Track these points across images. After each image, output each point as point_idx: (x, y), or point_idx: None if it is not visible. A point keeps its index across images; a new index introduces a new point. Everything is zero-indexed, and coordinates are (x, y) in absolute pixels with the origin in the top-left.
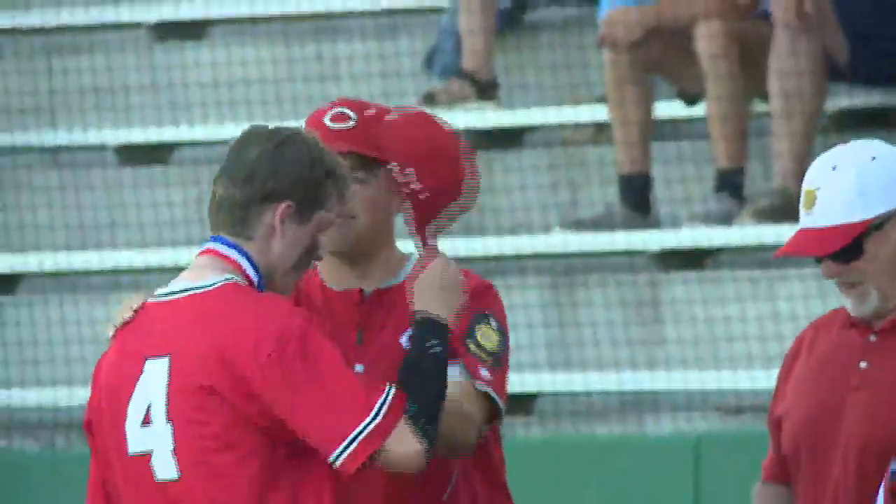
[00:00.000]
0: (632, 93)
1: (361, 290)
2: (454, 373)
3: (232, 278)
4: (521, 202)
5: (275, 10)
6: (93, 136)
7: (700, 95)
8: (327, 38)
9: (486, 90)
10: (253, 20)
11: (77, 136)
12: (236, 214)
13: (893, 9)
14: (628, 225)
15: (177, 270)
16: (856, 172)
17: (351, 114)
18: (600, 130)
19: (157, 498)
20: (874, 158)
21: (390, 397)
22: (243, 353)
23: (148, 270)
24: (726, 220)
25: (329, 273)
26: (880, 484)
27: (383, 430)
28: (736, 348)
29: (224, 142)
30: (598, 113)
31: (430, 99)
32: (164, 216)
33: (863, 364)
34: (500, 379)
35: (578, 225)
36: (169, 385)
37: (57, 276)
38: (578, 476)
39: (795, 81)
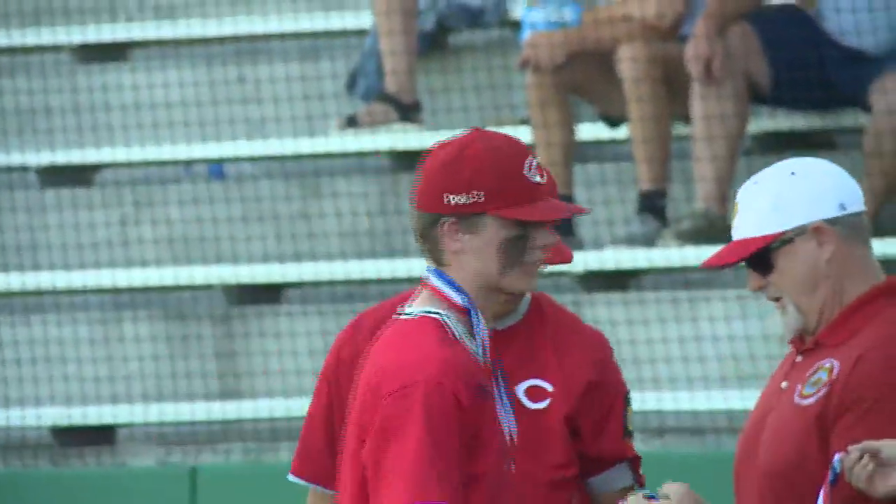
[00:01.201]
0: (554, 115)
1: (494, 330)
2: (624, 477)
3: (429, 312)
4: None
5: (196, 32)
6: (15, 158)
7: (623, 118)
8: (249, 61)
9: (409, 112)
10: (175, 43)
11: None
12: (420, 241)
13: (814, 35)
14: None
15: (99, 292)
16: (772, 187)
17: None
18: None
19: None
20: (793, 174)
21: None
22: (371, 388)
23: (70, 292)
24: (649, 241)
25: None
26: (821, 486)
27: None
28: (659, 369)
29: (146, 163)
30: (521, 134)
31: (352, 121)
32: (86, 238)
33: (784, 384)
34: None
35: None
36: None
37: None
38: None
39: (717, 104)
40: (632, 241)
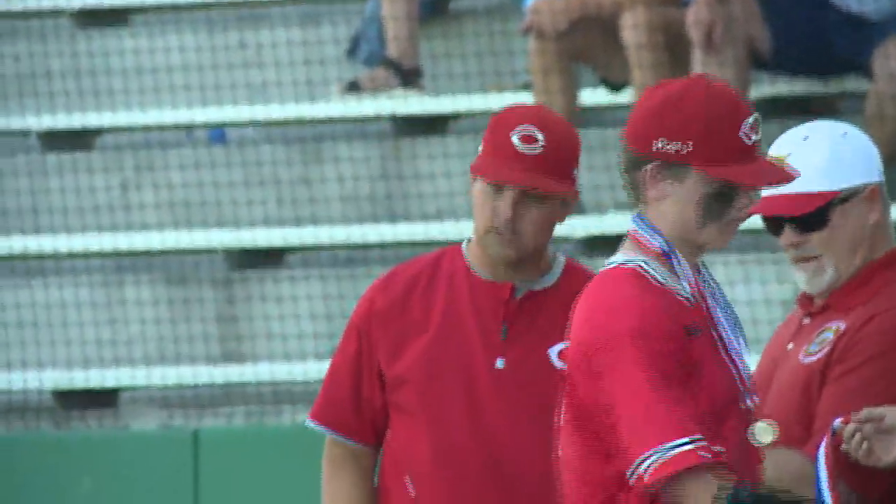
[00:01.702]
0: (557, 81)
1: (514, 288)
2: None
3: (628, 262)
4: (446, 188)
5: None
6: (16, 122)
7: (624, 83)
8: (250, 26)
9: (410, 77)
10: (175, 7)
11: (0, 122)
12: (624, 176)
13: (815, 0)
14: None
15: (100, 256)
16: (828, 145)
17: (539, 136)
18: None
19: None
20: (845, 135)
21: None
22: (578, 343)
23: (72, 256)
24: None
25: (484, 264)
26: (819, 445)
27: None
28: None
29: (147, 128)
30: (522, 100)
31: (354, 86)
32: (87, 202)
33: (790, 346)
34: None
35: None
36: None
37: None
38: None
39: (718, 70)
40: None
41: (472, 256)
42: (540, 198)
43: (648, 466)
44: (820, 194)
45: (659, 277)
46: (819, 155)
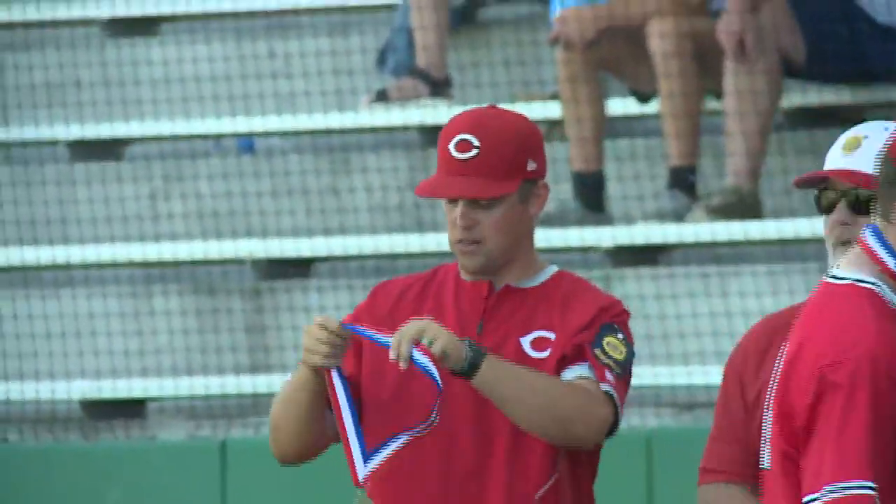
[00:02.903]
0: (584, 91)
1: (491, 284)
2: (582, 371)
3: (860, 281)
4: None
5: (227, 6)
6: (45, 132)
7: (653, 93)
8: (279, 35)
9: (439, 87)
10: (205, 17)
11: (29, 132)
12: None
13: (847, 10)
14: (582, 221)
15: (129, 266)
16: None
17: (474, 141)
18: (553, 127)
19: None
20: None
21: None
22: (800, 361)
23: (100, 266)
24: (679, 216)
25: (466, 274)
26: None
27: None
28: (689, 344)
29: (176, 138)
30: (550, 110)
31: (382, 96)
32: (116, 212)
33: None
34: (622, 390)
35: None
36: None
37: (8, 272)
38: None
39: (749, 79)
40: (662, 216)
41: (461, 264)
42: (489, 204)
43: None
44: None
45: (893, 302)
46: None
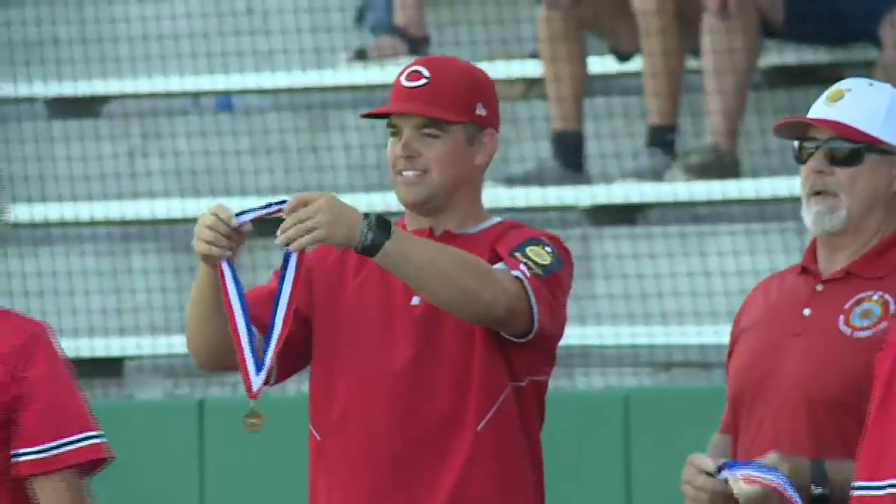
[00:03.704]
0: (564, 50)
1: (431, 229)
2: (496, 266)
3: None
4: None
5: None
6: (23, 89)
7: (632, 52)
8: None
9: (417, 45)
10: None
11: (7, 89)
12: None
13: None
14: (560, 181)
15: (106, 224)
16: (889, 98)
17: (425, 72)
18: (532, 86)
19: None
20: None
21: None
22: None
23: (78, 224)
24: (658, 175)
25: (409, 218)
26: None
27: None
28: (666, 304)
29: (154, 95)
30: (529, 68)
31: (361, 55)
32: (94, 170)
33: (806, 311)
34: (542, 288)
35: (510, 180)
36: None
37: None
38: None
39: (727, 38)
40: (640, 175)
41: (406, 216)
42: (436, 133)
43: None
44: (864, 133)
45: None
46: (877, 101)
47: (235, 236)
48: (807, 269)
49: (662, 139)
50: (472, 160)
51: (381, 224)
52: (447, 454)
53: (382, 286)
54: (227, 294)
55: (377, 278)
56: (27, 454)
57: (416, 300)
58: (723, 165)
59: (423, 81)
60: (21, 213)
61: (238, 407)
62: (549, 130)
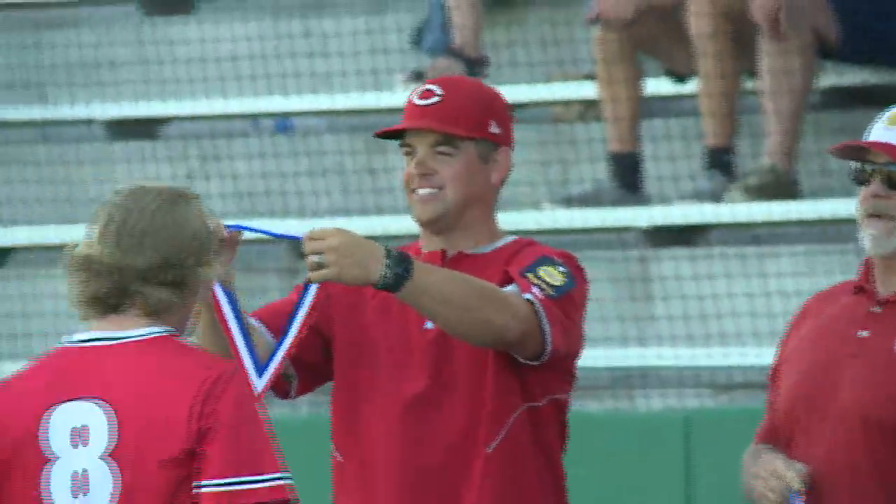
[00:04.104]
0: (621, 71)
1: (444, 251)
2: (508, 289)
3: None
4: (511, 179)
5: None
6: (81, 111)
7: (689, 73)
8: (315, 14)
9: (474, 67)
10: None
11: (66, 111)
12: None
13: None
14: (618, 202)
15: None
16: None
17: (437, 90)
18: (589, 107)
19: None
20: None
21: None
22: None
23: None
24: (716, 197)
25: (425, 238)
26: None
27: None
28: (725, 325)
29: (212, 117)
30: (586, 90)
31: (418, 76)
32: None
33: (862, 333)
34: (554, 310)
35: (568, 201)
36: None
37: (46, 251)
38: (570, 452)
39: (783, 59)
40: (698, 196)
41: (422, 237)
42: (450, 151)
43: None
44: None
45: None
46: None
47: (227, 248)
48: (863, 289)
49: (720, 160)
50: (486, 178)
51: (401, 259)
52: (460, 478)
53: (399, 309)
54: (218, 309)
55: (394, 301)
56: (209, 486)
57: (429, 324)
58: (781, 186)
59: (435, 99)
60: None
61: None
62: (606, 152)
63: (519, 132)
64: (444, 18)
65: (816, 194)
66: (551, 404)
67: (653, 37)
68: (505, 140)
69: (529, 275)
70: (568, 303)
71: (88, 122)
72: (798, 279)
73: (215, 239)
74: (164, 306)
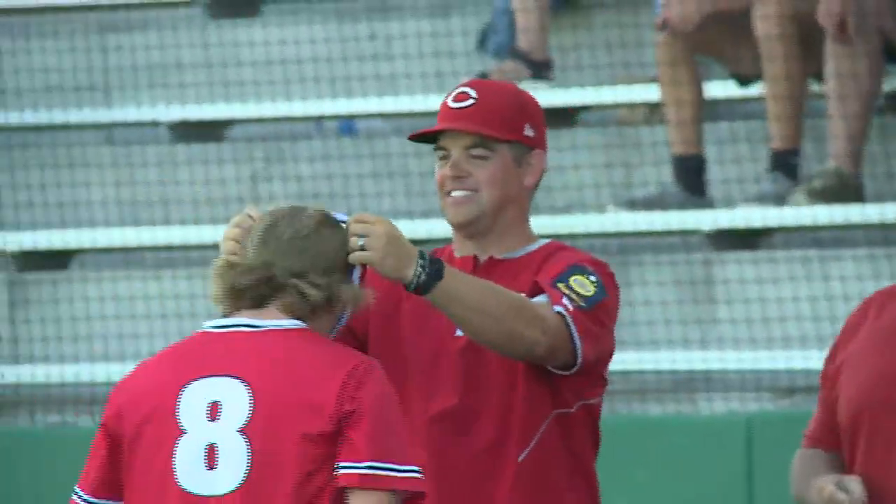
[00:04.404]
0: (684, 73)
1: (476, 257)
2: (538, 300)
3: None
4: (575, 181)
5: None
6: (146, 113)
7: (754, 76)
8: (380, 17)
9: (540, 69)
10: None
11: (131, 113)
12: None
13: None
14: (682, 205)
15: None
16: None
17: (472, 93)
18: (654, 110)
19: None
20: None
21: None
22: None
23: (200, 247)
24: (780, 200)
25: (457, 243)
26: None
27: None
28: (789, 328)
29: (277, 119)
30: (651, 93)
31: (483, 78)
32: (216, 193)
33: None
34: (586, 321)
35: (632, 204)
36: None
37: (110, 253)
38: (631, 455)
39: (850, 62)
40: (763, 199)
41: (454, 241)
42: (485, 154)
43: None
44: None
45: None
46: None
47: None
48: None
49: (785, 163)
50: (520, 181)
51: (434, 263)
52: (492, 488)
53: (432, 319)
54: None
55: (428, 311)
56: (353, 467)
57: (460, 332)
58: (846, 190)
59: (470, 102)
60: (144, 236)
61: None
62: (670, 155)
63: (584, 135)
64: (509, 21)
65: (881, 198)
66: (583, 409)
67: (717, 41)
68: (539, 143)
69: (560, 285)
70: (599, 313)
71: (153, 124)
72: (862, 283)
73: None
74: (308, 306)
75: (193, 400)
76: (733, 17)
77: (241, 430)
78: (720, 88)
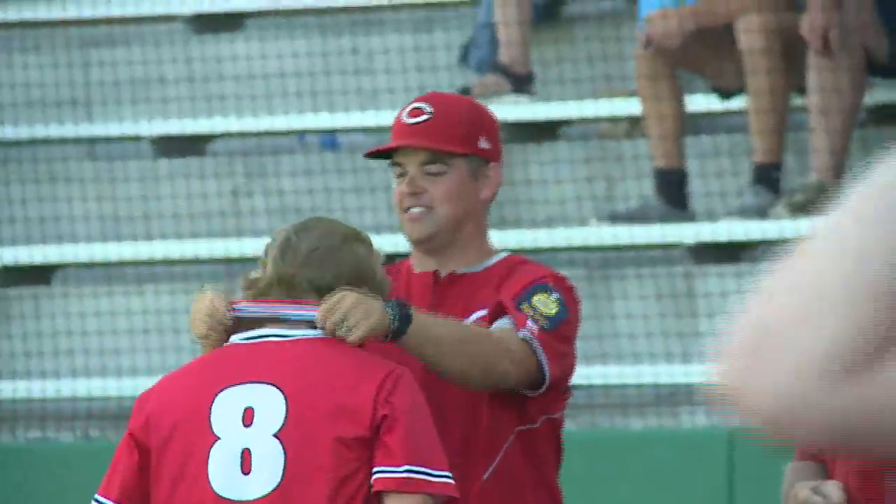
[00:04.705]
0: (665, 87)
1: (436, 272)
2: (502, 324)
3: None
4: (557, 195)
5: (310, 2)
6: (128, 128)
7: (736, 90)
8: (362, 32)
9: (522, 83)
10: (288, 13)
11: (113, 128)
12: None
13: None
14: (664, 218)
15: (211, 262)
16: None
17: (426, 108)
18: (636, 124)
19: None
20: None
21: None
22: None
23: (182, 262)
24: (762, 213)
25: (416, 259)
26: None
27: None
28: None
29: (259, 134)
30: (633, 106)
31: (465, 93)
32: (198, 207)
33: None
34: (551, 342)
35: (614, 218)
36: None
37: (92, 268)
38: (613, 469)
39: (833, 76)
40: (745, 212)
41: (413, 257)
42: (440, 170)
43: None
44: None
45: None
46: None
47: (233, 325)
48: None
49: (767, 177)
50: (477, 195)
51: (399, 305)
52: None
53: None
54: None
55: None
56: (389, 471)
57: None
58: (828, 203)
59: (424, 117)
60: (126, 251)
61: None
62: (652, 168)
63: (566, 149)
64: (491, 35)
65: None
66: (546, 423)
67: (700, 55)
68: (494, 155)
69: (524, 306)
70: (563, 330)
71: (135, 139)
72: None
73: (219, 320)
74: None
75: (227, 407)
76: (716, 32)
77: (276, 435)
78: (702, 102)
